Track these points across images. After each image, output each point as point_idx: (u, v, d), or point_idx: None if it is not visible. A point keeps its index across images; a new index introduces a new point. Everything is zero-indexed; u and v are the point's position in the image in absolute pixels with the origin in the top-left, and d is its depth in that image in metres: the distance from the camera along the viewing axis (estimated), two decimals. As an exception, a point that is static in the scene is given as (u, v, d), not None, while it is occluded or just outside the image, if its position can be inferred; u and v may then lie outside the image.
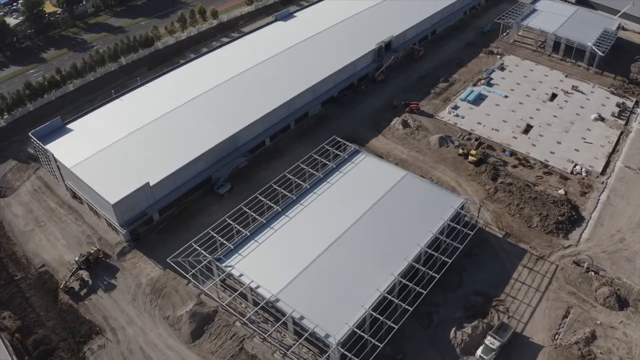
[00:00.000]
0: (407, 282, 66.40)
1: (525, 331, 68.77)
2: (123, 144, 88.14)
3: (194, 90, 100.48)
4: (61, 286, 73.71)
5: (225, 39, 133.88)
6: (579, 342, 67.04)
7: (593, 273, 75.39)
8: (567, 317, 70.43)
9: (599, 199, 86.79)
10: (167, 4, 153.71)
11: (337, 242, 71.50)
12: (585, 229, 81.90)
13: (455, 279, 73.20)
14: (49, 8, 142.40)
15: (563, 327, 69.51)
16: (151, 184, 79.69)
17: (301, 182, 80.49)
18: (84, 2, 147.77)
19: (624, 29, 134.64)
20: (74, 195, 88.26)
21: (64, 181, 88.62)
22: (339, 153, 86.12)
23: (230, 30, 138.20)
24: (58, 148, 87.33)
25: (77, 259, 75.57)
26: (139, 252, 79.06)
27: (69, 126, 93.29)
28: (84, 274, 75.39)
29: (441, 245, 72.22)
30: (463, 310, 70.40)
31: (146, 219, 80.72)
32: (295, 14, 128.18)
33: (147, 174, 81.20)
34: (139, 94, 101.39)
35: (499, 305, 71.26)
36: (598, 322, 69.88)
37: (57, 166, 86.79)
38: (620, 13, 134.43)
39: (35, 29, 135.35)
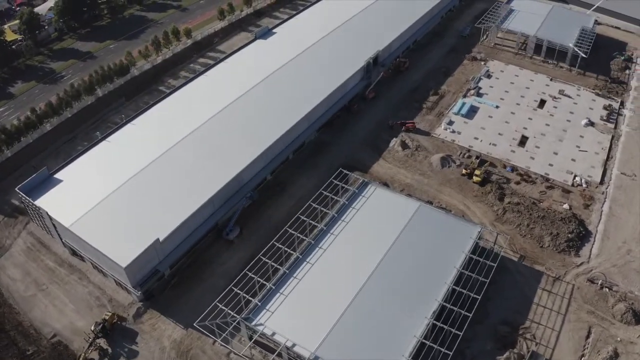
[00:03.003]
0: (442, 325, 66.53)
1: (553, 357, 70.33)
2: (121, 194, 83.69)
3: (184, 126, 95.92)
4: (80, 359, 70.35)
5: (202, 60, 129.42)
6: (604, 362, 69.47)
7: (607, 289, 77.64)
8: (589, 338, 72.50)
9: (602, 211, 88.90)
10: (134, 24, 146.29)
11: (365, 287, 70.75)
12: (593, 244, 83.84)
13: (481, 310, 73.71)
14: (9, 36, 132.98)
15: (587, 348, 71.55)
16: (160, 239, 76.41)
17: (316, 224, 78.98)
18: (46, 27, 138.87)
19: (598, 23, 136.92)
20: (73, 253, 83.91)
21: (60, 239, 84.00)
22: (348, 187, 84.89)
23: (206, 49, 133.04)
24: (50, 204, 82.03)
25: (92, 328, 72.05)
26: (155, 311, 75.95)
27: (56, 176, 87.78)
28: (102, 342, 72.14)
29: (466, 279, 72.45)
30: (493, 342, 71.27)
31: (159, 276, 77.71)
32: (274, 30, 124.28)
33: (154, 227, 77.54)
34: (126, 134, 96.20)
35: (525, 333, 72.50)
36: (618, 339, 72.21)
37: (53, 224, 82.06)
38: (594, 7, 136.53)
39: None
